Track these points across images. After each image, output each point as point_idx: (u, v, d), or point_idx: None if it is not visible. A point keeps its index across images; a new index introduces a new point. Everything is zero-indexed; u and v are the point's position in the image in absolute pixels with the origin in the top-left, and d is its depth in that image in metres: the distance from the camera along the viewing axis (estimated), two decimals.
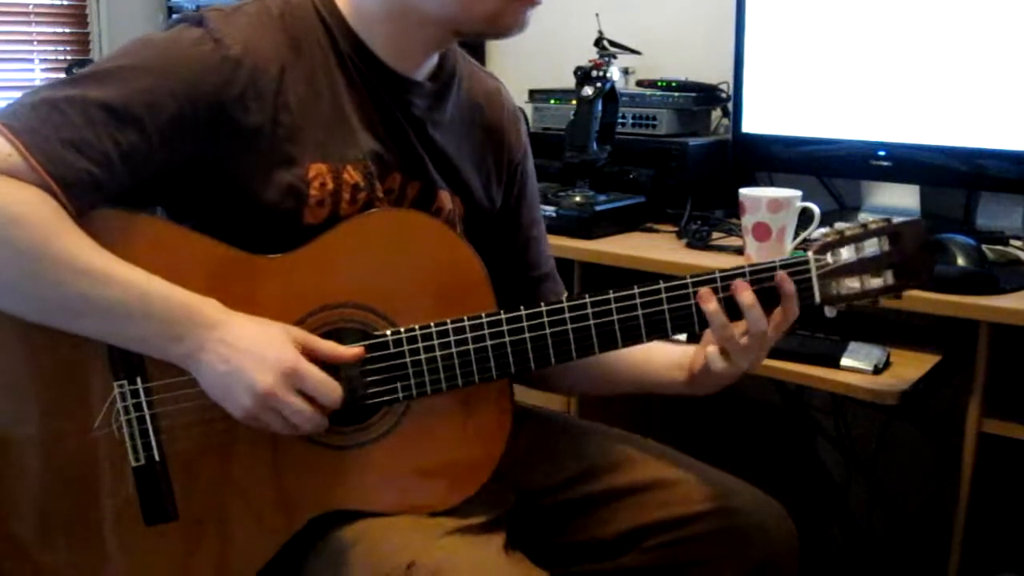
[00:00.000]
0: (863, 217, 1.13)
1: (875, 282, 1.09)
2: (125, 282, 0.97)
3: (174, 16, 1.08)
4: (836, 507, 2.15)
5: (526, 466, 1.22)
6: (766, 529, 1.18)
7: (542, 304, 1.06)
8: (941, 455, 1.77)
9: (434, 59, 1.16)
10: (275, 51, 1.06)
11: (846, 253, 1.09)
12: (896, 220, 1.10)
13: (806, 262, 1.08)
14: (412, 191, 1.15)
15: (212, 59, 1.02)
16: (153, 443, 1.03)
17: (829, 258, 1.09)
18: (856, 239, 1.09)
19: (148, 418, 1.03)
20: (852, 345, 1.45)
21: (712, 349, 1.08)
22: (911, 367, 1.43)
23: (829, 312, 1.11)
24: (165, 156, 1.02)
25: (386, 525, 1.06)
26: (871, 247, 1.09)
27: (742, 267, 1.07)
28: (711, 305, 1.05)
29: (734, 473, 1.25)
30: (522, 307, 1.06)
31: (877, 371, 1.41)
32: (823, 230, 1.12)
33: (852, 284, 1.09)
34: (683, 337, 1.52)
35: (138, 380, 1.02)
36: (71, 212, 0.97)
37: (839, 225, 1.13)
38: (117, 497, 1.04)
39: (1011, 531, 1.71)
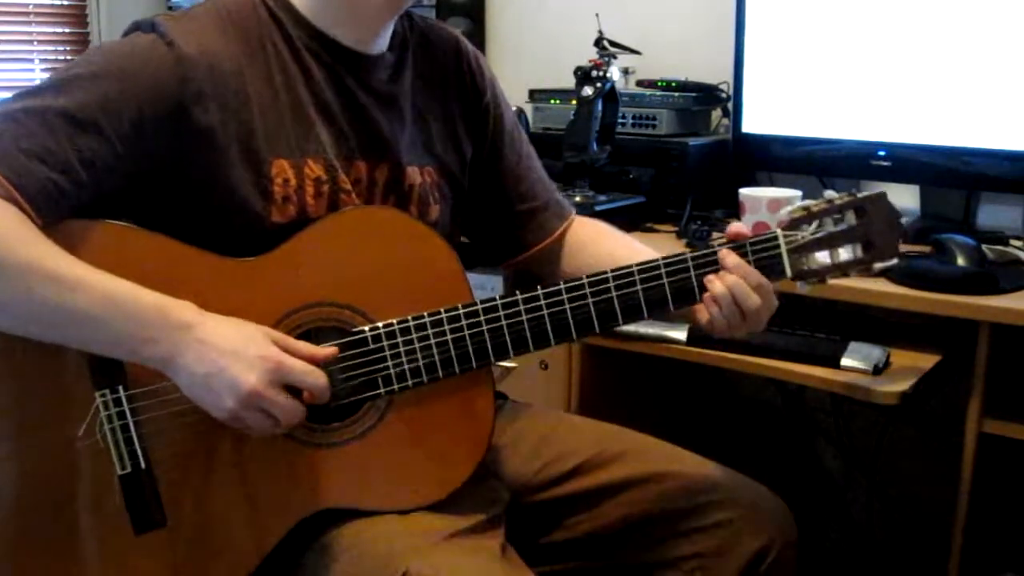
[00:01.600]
0: (829, 194, 1.14)
1: (845, 256, 1.11)
2: (93, 287, 0.96)
3: (129, 25, 1.08)
4: (836, 507, 2.15)
5: (522, 462, 1.23)
6: (764, 520, 1.18)
7: (517, 293, 1.07)
8: (941, 455, 1.77)
9: (390, 27, 1.16)
10: (230, 50, 1.06)
11: (814, 228, 1.11)
12: (861, 194, 1.12)
13: (775, 237, 1.10)
14: (381, 176, 1.15)
15: (168, 60, 1.02)
16: (138, 450, 1.02)
17: (798, 234, 1.10)
18: (823, 214, 1.11)
19: (132, 425, 1.02)
20: (852, 345, 1.45)
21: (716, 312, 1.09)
22: (911, 367, 1.43)
23: (802, 287, 1.13)
24: (129, 161, 1.02)
25: (379, 531, 1.05)
26: (839, 222, 1.11)
27: (712, 246, 1.09)
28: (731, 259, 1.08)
29: None
30: (497, 297, 1.07)
31: (877, 371, 1.41)
32: (789, 208, 1.13)
33: (822, 258, 1.11)
34: (683, 336, 1.53)
35: (120, 388, 1.02)
36: (36, 221, 0.97)
37: (805, 201, 1.14)
38: (105, 507, 1.03)
39: (1011, 531, 1.71)
